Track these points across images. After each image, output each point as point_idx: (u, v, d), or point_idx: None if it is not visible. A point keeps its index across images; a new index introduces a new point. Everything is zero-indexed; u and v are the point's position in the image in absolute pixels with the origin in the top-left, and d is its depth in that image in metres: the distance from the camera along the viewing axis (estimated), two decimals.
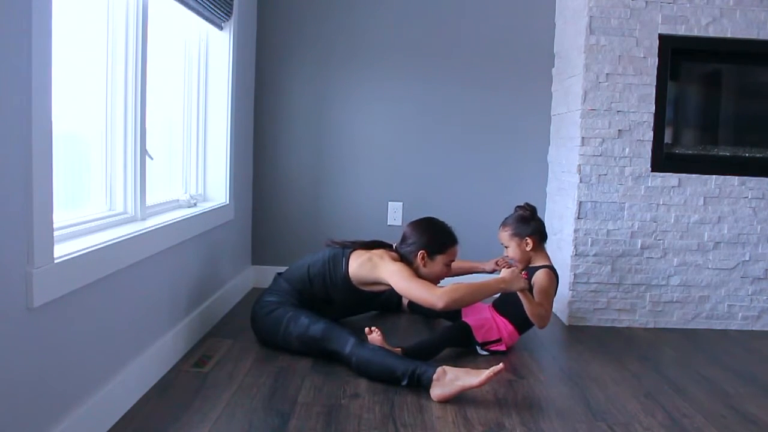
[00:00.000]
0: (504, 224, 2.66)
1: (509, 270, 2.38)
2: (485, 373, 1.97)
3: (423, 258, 2.44)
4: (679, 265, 3.00)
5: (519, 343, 2.63)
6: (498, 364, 1.99)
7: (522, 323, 2.53)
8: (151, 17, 2.13)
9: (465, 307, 2.53)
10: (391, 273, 2.34)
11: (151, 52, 2.14)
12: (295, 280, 2.48)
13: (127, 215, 2.05)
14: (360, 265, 2.40)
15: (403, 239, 2.51)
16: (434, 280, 2.50)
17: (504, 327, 2.51)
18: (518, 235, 2.59)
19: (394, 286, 2.35)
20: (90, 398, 1.63)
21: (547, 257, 2.64)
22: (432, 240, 2.46)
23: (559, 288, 3.11)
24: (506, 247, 2.64)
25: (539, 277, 2.51)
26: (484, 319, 2.52)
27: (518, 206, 2.67)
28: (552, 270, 2.57)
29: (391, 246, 2.55)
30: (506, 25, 3.40)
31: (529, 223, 2.59)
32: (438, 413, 1.93)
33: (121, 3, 1.99)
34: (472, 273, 2.86)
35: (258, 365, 2.28)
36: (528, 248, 2.58)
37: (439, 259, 2.47)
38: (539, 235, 2.61)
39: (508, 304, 2.54)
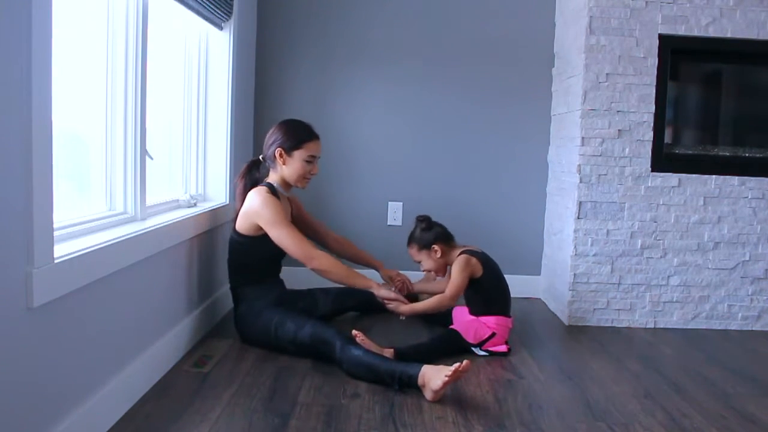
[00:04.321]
0: (409, 242, 2.66)
1: (387, 289, 2.47)
2: (443, 377, 1.94)
3: (282, 156, 2.45)
4: (679, 265, 3.00)
5: (519, 343, 2.63)
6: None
7: (500, 308, 2.53)
8: (151, 17, 2.13)
9: (329, 279, 2.49)
10: (266, 223, 2.35)
11: (151, 52, 2.14)
12: (238, 276, 2.51)
13: (127, 215, 2.05)
14: (242, 220, 2.42)
15: (264, 145, 2.53)
16: (298, 179, 2.50)
17: (488, 321, 2.50)
18: (425, 247, 2.60)
19: (271, 237, 2.36)
20: (90, 398, 1.63)
21: (459, 247, 2.62)
22: (286, 136, 2.46)
23: (559, 288, 3.13)
24: (419, 262, 2.66)
25: (453, 266, 2.53)
26: (469, 322, 2.52)
27: (416, 218, 2.68)
28: (467, 252, 2.55)
29: (258, 160, 2.56)
30: (506, 25, 3.40)
31: (430, 232, 2.60)
32: (438, 413, 1.93)
33: (121, 3, 1.99)
34: (368, 266, 2.82)
35: (258, 365, 2.28)
36: (438, 255, 2.59)
37: (297, 155, 2.46)
38: (443, 238, 2.61)
39: (477, 304, 2.56)
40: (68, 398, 1.54)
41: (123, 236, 1.80)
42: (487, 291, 2.55)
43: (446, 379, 1.93)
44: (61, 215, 1.67)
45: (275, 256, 2.54)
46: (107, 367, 1.74)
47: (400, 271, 2.85)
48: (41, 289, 1.37)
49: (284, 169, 2.48)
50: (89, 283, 1.59)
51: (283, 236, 2.34)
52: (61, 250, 1.51)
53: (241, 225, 2.43)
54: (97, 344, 1.68)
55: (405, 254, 3.05)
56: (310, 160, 2.49)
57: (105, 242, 1.68)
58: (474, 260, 2.53)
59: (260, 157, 2.57)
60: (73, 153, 1.86)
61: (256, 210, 2.37)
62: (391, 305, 2.46)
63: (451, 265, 2.58)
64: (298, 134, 2.48)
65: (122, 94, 2.01)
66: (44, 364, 1.43)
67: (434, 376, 1.98)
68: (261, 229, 2.40)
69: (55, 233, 1.49)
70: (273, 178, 2.53)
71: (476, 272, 2.52)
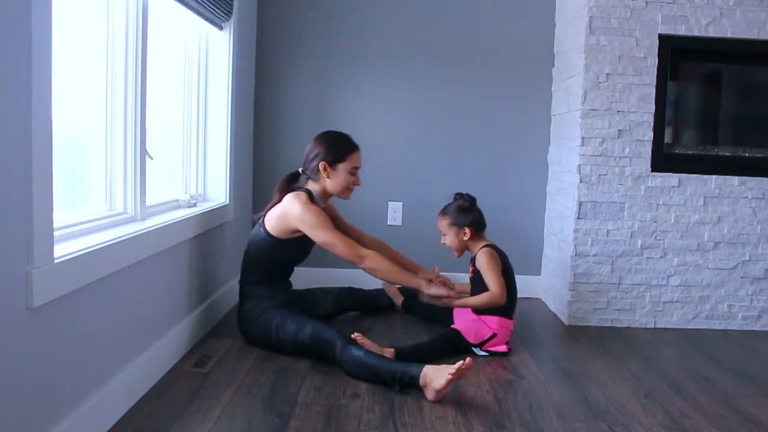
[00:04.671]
0: (443, 213, 2.65)
1: (437, 286, 2.47)
2: (446, 375, 1.94)
3: (326, 169, 2.45)
4: (679, 265, 3.00)
5: (519, 343, 2.63)
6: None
7: (504, 309, 2.52)
8: (151, 17, 2.13)
9: (379, 279, 2.52)
10: (308, 226, 2.35)
11: (151, 52, 2.14)
12: (250, 273, 2.50)
13: (127, 215, 2.05)
14: (276, 221, 2.41)
15: (305, 158, 2.51)
16: (342, 191, 2.50)
17: (490, 322, 2.50)
18: (456, 224, 2.59)
19: (314, 239, 2.37)
20: (90, 398, 1.63)
21: (484, 240, 2.63)
22: (330, 149, 2.46)
23: (559, 288, 3.13)
24: (444, 234, 2.64)
25: (480, 259, 2.53)
26: (472, 321, 2.52)
27: (458, 194, 2.66)
28: (490, 247, 2.57)
29: (297, 173, 2.54)
30: (506, 26, 3.40)
31: (468, 214, 2.59)
32: (438, 413, 1.93)
33: (121, 3, 1.99)
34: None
35: (258, 365, 2.28)
36: (465, 237, 2.59)
37: (341, 167, 2.47)
38: (477, 224, 2.61)
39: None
40: (68, 398, 1.54)
41: (123, 236, 1.80)
42: None
43: (449, 377, 1.94)
44: (61, 215, 1.67)
45: (294, 260, 2.58)
46: (107, 367, 1.74)
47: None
48: (41, 289, 1.37)
49: (328, 182, 2.48)
50: (89, 283, 1.59)
51: (330, 238, 2.35)
52: (61, 250, 1.51)
53: (273, 225, 2.42)
54: (97, 344, 1.68)
55: (405, 254, 3.04)
56: (354, 172, 2.51)
57: (105, 242, 1.68)
58: (497, 255, 2.55)
59: (299, 170, 2.55)
60: (73, 153, 1.86)
61: (299, 215, 2.36)
62: (444, 300, 2.47)
63: (470, 251, 2.61)
64: (341, 147, 2.49)
65: (122, 94, 2.01)
66: (44, 364, 1.43)
67: (437, 375, 1.98)
68: (293, 232, 2.40)
69: (55, 233, 1.49)
70: (312, 188, 2.52)
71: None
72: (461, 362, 1.96)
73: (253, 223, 2.58)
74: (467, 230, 2.58)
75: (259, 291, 2.47)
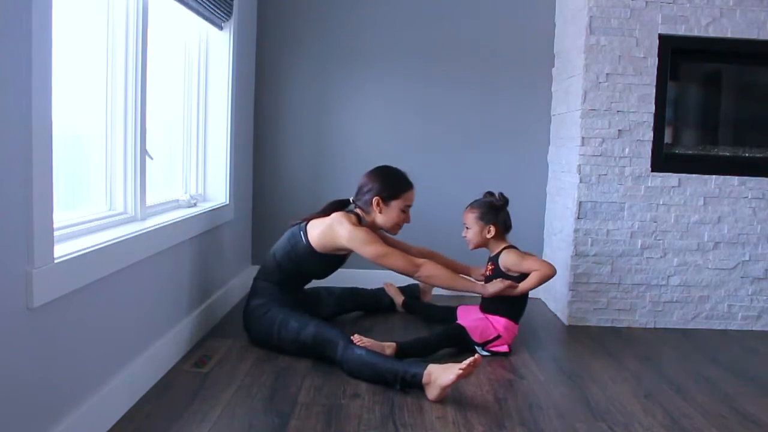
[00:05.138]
0: (472, 206, 2.64)
1: (493, 283, 2.49)
2: (456, 369, 1.95)
3: (379, 204, 2.47)
4: (679, 265, 3.00)
5: (519, 343, 2.63)
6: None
7: (513, 313, 2.54)
8: (151, 17, 2.13)
9: (435, 286, 2.55)
10: (358, 242, 2.35)
11: (151, 52, 2.14)
12: (269, 273, 2.50)
13: (127, 215, 2.05)
14: (321, 235, 2.42)
15: (359, 190, 2.54)
16: (393, 227, 2.52)
17: (497, 323, 2.51)
18: (483, 220, 2.59)
19: (364, 255, 2.37)
20: (90, 398, 1.63)
21: (504, 242, 2.63)
22: (386, 185, 2.49)
23: (559, 288, 3.13)
24: (467, 227, 2.63)
25: (509, 258, 2.53)
26: (478, 320, 2.52)
27: (490, 192, 2.65)
28: (509, 247, 2.60)
29: (347, 201, 2.56)
30: (506, 26, 3.40)
31: (498, 213, 2.59)
32: (438, 413, 1.93)
33: (121, 3, 1.99)
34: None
35: (258, 365, 2.28)
36: (489, 235, 2.58)
37: (395, 204, 2.49)
38: (503, 225, 2.61)
39: (493, 302, 2.55)
40: (68, 398, 1.54)
41: (123, 236, 1.80)
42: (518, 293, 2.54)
43: (460, 371, 1.94)
44: (61, 215, 1.67)
45: (319, 275, 2.60)
46: (107, 367, 1.74)
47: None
48: (41, 289, 1.37)
49: (379, 217, 2.50)
50: (89, 283, 1.59)
51: (383, 250, 2.36)
52: (61, 250, 1.51)
53: (316, 238, 2.43)
54: (97, 344, 1.68)
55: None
56: (406, 210, 2.54)
57: (105, 242, 1.68)
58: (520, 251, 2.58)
59: (350, 199, 2.57)
60: (73, 153, 1.86)
61: (348, 233, 2.36)
62: (506, 292, 2.48)
63: (489, 249, 2.62)
64: (397, 184, 2.52)
65: (122, 94, 2.01)
66: (44, 364, 1.43)
67: (443, 372, 1.98)
68: (335, 249, 2.43)
69: (55, 233, 1.49)
70: (359, 212, 2.54)
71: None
72: (471, 359, 1.96)
73: (290, 228, 2.55)
74: (492, 228, 2.57)
75: (271, 291, 2.47)
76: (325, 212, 2.50)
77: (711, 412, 2.03)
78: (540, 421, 1.91)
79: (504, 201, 2.61)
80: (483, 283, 2.56)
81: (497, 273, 2.55)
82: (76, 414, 1.55)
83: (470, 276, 2.75)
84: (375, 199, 2.46)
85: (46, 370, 1.44)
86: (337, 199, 2.60)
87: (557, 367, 2.43)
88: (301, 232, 2.47)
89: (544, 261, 2.56)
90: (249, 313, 2.47)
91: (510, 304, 2.53)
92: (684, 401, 2.11)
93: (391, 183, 2.51)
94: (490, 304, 2.56)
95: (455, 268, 2.77)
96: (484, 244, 2.62)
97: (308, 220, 2.50)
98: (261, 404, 1.95)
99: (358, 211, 2.53)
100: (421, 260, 2.41)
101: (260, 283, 2.51)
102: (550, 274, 2.49)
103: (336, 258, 2.52)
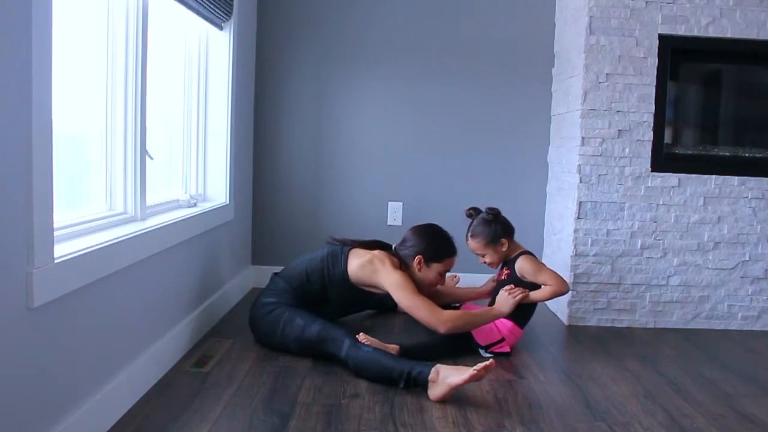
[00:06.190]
0: (473, 234, 2.60)
1: (502, 297, 2.48)
2: (470, 370, 1.96)
3: (419, 263, 2.47)
4: (679, 265, 3.00)
5: (519, 343, 2.62)
6: (498, 363, 1.99)
7: (519, 317, 2.53)
8: (151, 17, 2.14)
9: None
10: (393, 284, 2.35)
11: (151, 52, 2.14)
12: (293, 278, 2.48)
13: (127, 215, 2.05)
14: (360, 266, 2.41)
15: (403, 241, 2.54)
16: (427, 286, 2.52)
17: (503, 326, 2.51)
18: (492, 241, 2.57)
19: (395, 299, 2.36)
20: (90, 398, 1.63)
21: (519, 245, 2.64)
22: (430, 247, 2.49)
23: None
24: (482, 255, 2.62)
25: (525, 266, 2.53)
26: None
27: (473, 209, 2.65)
28: (526, 253, 2.59)
29: (390, 247, 2.55)
30: (506, 25, 3.40)
31: (497, 226, 2.58)
32: (438, 413, 1.93)
33: (121, 3, 1.99)
34: (474, 299, 2.81)
35: (258, 365, 2.28)
36: (504, 249, 2.59)
37: (435, 267, 2.49)
38: (509, 231, 2.61)
39: (514, 313, 2.53)
40: (68, 398, 1.54)
41: (123, 236, 1.80)
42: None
43: (474, 372, 1.94)
44: (61, 215, 1.67)
45: (341, 307, 2.59)
46: (107, 367, 1.74)
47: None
48: (41, 289, 1.37)
49: (416, 274, 2.48)
50: (89, 283, 1.59)
51: (413, 302, 2.32)
52: (61, 250, 1.51)
53: (354, 269, 2.42)
54: (97, 344, 1.68)
55: None
56: (443, 274, 2.54)
57: (105, 242, 1.68)
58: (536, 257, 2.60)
59: (393, 246, 2.56)
60: (73, 153, 1.86)
61: (387, 273, 2.36)
62: (519, 298, 2.46)
63: (508, 258, 2.60)
64: (442, 249, 2.50)
65: (122, 94, 2.01)
66: (44, 364, 1.43)
67: (454, 372, 1.99)
68: (370, 285, 2.43)
69: (55, 233, 1.49)
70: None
71: None
72: (484, 363, 1.97)
73: (330, 245, 2.54)
74: (504, 241, 2.58)
75: (286, 296, 2.44)
76: (368, 246, 2.51)
77: (711, 412, 2.03)
78: (540, 421, 1.91)
79: (494, 212, 2.60)
80: (495, 299, 2.53)
81: (513, 278, 2.55)
82: (76, 414, 1.55)
83: (483, 289, 2.77)
84: (417, 257, 2.46)
85: (46, 370, 1.44)
86: (381, 240, 2.60)
87: (557, 367, 2.43)
88: (342, 256, 2.46)
89: (559, 277, 2.52)
90: (257, 308, 2.46)
91: (518, 310, 2.51)
92: (684, 401, 2.11)
93: (437, 246, 2.50)
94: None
95: (470, 296, 2.81)
96: (505, 257, 2.62)
97: (352, 246, 2.50)
98: (261, 404, 1.95)
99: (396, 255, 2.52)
100: (445, 315, 2.32)
101: (279, 281, 2.48)
102: (563, 291, 2.51)
103: (363, 294, 2.49)
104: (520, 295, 2.47)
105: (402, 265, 2.48)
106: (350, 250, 2.47)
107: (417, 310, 2.32)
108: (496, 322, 2.52)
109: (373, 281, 2.40)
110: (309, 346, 2.30)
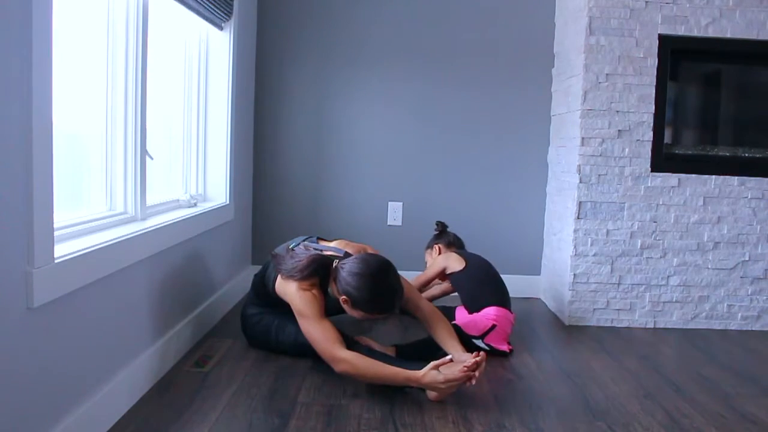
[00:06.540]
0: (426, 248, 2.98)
1: (434, 375, 1.95)
2: (461, 366, 1.92)
3: (346, 303, 2.16)
4: (678, 265, 3.00)
5: (519, 343, 2.63)
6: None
7: (496, 299, 2.54)
8: (152, 17, 2.14)
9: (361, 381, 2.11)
10: (295, 310, 2.13)
11: (151, 52, 2.14)
12: (258, 292, 2.43)
13: (127, 215, 2.05)
14: (278, 284, 2.22)
15: (342, 269, 2.16)
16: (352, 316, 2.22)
17: (487, 313, 2.49)
18: (429, 246, 2.94)
19: (299, 324, 2.14)
20: (90, 398, 1.63)
21: (460, 257, 2.71)
22: (362, 296, 2.11)
23: (558, 288, 3.13)
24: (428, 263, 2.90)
25: (432, 258, 2.88)
26: (470, 317, 2.52)
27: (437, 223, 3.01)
28: (454, 254, 2.76)
29: (330, 263, 2.22)
30: (506, 25, 3.40)
31: (441, 237, 2.93)
32: (438, 413, 1.93)
33: (121, 3, 1.99)
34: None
35: (258, 365, 2.28)
36: (436, 254, 2.86)
37: (357, 314, 2.17)
38: (446, 242, 2.90)
39: (472, 300, 2.57)
40: (68, 398, 1.54)
41: (123, 236, 1.80)
42: (474, 282, 2.60)
43: (465, 368, 1.91)
44: (61, 215, 1.67)
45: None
46: (107, 367, 1.74)
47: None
48: (41, 289, 1.37)
49: (344, 307, 2.18)
50: (89, 283, 1.59)
51: (312, 334, 2.08)
52: (61, 250, 1.51)
53: (277, 287, 2.22)
54: (97, 344, 1.68)
55: (405, 254, 3.04)
56: (369, 321, 2.55)
57: (105, 242, 1.68)
58: (455, 255, 2.71)
59: (335, 263, 2.21)
60: (73, 153, 1.86)
61: (291, 297, 2.14)
62: (449, 387, 1.99)
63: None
64: (373, 305, 2.12)
65: (122, 94, 2.01)
66: (44, 364, 1.43)
67: (447, 370, 1.93)
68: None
69: (55, 233, 1.49)
70: (332, 285, 2.22)
71: (454, 265, 2.66)
72: (474, 354, 1.95)
73: (271, 253, 2.35)
74: (436, 247, 2.88)
75: (267, 305, 2.41)
76: (309, 260, 2.18)
77: (711, 412, 2.03)
78: (540, 421, 1.91)
79: (441, 225, 2.98)
80: (426, 371, 1.97)
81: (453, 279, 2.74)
82: (76, 414, 1.55)
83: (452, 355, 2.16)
84: (343, 298, 2.15)
85: (46, 370, 1.44)
86: (323, 255, 2.24)
87: (557, 367, 2.43)
88: (273, 271, 2.28)
89: (422, 278, 2.79)
90: (245, 319, 2.47)
91: (485, 294, 2.56)
92: (684, 401, 2.11)
93: (370, 301, 2.11)
94: (471, 304, 2.57)
95: (443, 343, 2.26)
96: (441, 267, 2.74)
97: (288, 252, 2.28)
98: (261, 404, 1.95)
99: (333, 275, 2.19)
100: (343, 355, 2.00)
101: (251, 293, 2.46)
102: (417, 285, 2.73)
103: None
104: (454, 384, 1.97)
105: (320, 283, 2.18)
106: (279, 262, 2.24)
107: (315, 341, 2.07)
108: (480, 312, 2.50)
109: (287, 300, 2.19)
110: (305, 349, 2.28)
